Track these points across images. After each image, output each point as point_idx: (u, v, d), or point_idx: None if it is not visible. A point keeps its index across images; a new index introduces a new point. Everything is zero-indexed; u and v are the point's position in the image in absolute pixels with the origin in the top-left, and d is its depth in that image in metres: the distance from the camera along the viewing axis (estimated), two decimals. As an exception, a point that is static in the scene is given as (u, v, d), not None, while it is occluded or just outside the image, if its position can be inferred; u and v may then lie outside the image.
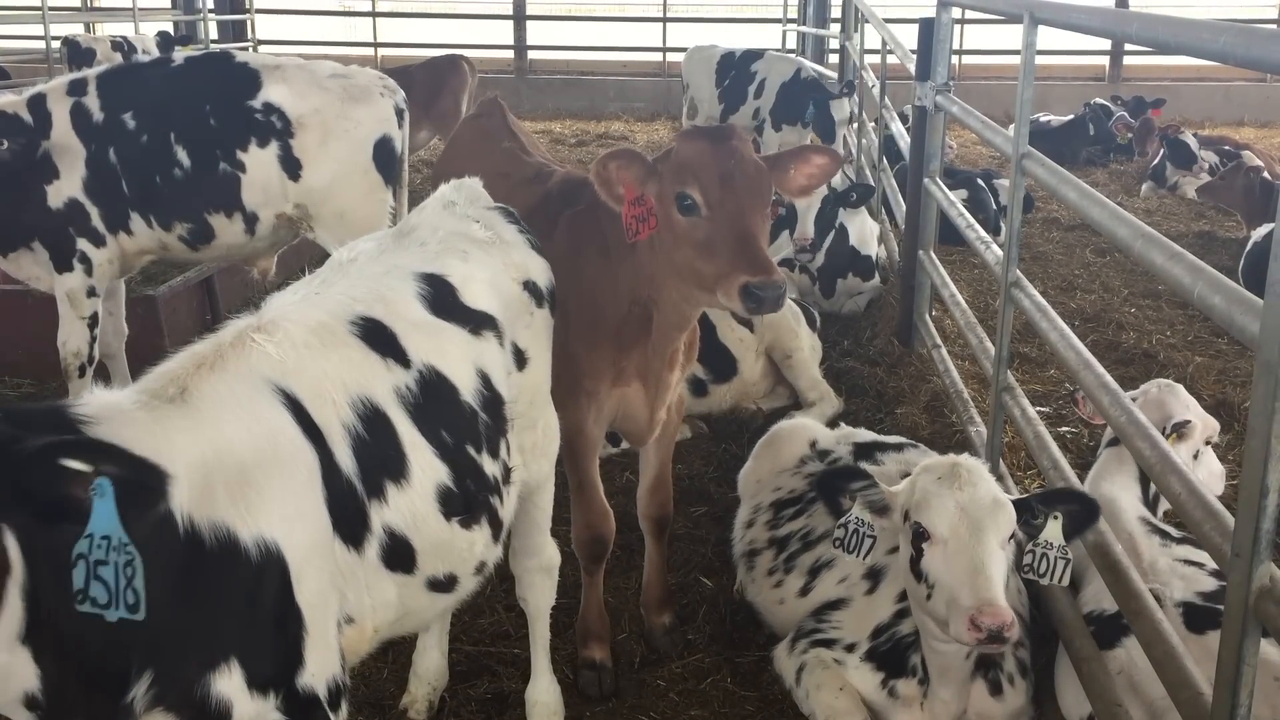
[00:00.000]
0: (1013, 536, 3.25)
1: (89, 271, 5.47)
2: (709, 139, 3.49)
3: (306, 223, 5.64)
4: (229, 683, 2.10)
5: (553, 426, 3.50)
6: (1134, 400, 3.84)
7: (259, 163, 5.48)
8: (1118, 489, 4.04)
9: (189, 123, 5.45)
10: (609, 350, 3.78)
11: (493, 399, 2.93)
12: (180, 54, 6.19)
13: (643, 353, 3.79)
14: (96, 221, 5.42)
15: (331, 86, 5.62)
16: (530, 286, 3.26)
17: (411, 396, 2.65)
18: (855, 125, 11.18)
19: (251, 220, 5.57)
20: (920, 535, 3.23)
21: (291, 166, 5.52)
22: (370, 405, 2.54)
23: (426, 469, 2.65)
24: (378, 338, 2.66)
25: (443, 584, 2.79)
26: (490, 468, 2.88)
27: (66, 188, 5.37)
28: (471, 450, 2.81)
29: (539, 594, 3.67)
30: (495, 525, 2.94)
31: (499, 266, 3.17)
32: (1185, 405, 4.34)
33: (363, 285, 2.81)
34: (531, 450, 3.31)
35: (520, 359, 3.15)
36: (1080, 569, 3.79)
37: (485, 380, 2.91)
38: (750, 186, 3.39)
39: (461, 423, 2.79)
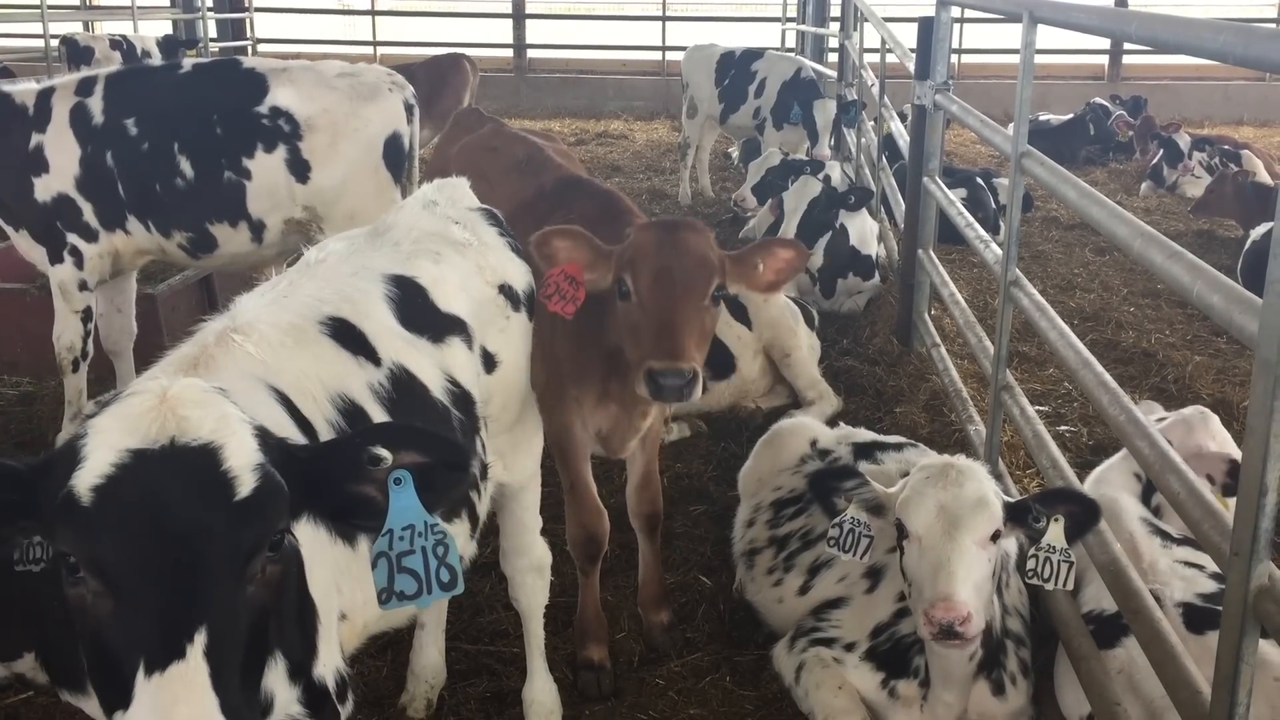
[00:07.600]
0: (1020, 537, 3.25)
1: (79, 265, 5.44)
2: (660, 230, 3.56)
3: (316, 225, 5.56)
4: (274, 674, 2.06)
5: (534, 427, 3.49)
6: (1162, 421, 3.79)
7: (265, 168, 5.42)
8: (1117, 489, 4.04)
9: (193, 131, 5.39)
10: (595, 368, 3.79)
11: (463, 397, 2.93)
12: (188, 61, 6.16)
13: (622, 383, 3.75)
14: (89, 217, 5.39)
15: (339, 85, 5.55)
16: (506, 290, 3.25)
17: (385, 392, 2.65)
18: (856, 126, 11.17)
19: (258, 227, 5.51)
20: (902, 532, 3.24)
21: (299, 169, 5.45)
22: (348, 400, 2.53)
23: None
24: (347, 337, 2.66)
25: None
26: None
27: (55, 183, 5.34)
28: None
29: (530, 594, 3.67)
30: (473, 520, 2.96)
31: (473, 269, 3.16)
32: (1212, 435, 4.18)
33: (329, 287, 2.80)
34: (512, 451, 3.31)
35: (490, 362, 3.14)
36: (1080, 569, 3.78)
37: (453, 380, 2.91)
38: (685, 278, 3.44)
39: (435, 418, 2.79)
